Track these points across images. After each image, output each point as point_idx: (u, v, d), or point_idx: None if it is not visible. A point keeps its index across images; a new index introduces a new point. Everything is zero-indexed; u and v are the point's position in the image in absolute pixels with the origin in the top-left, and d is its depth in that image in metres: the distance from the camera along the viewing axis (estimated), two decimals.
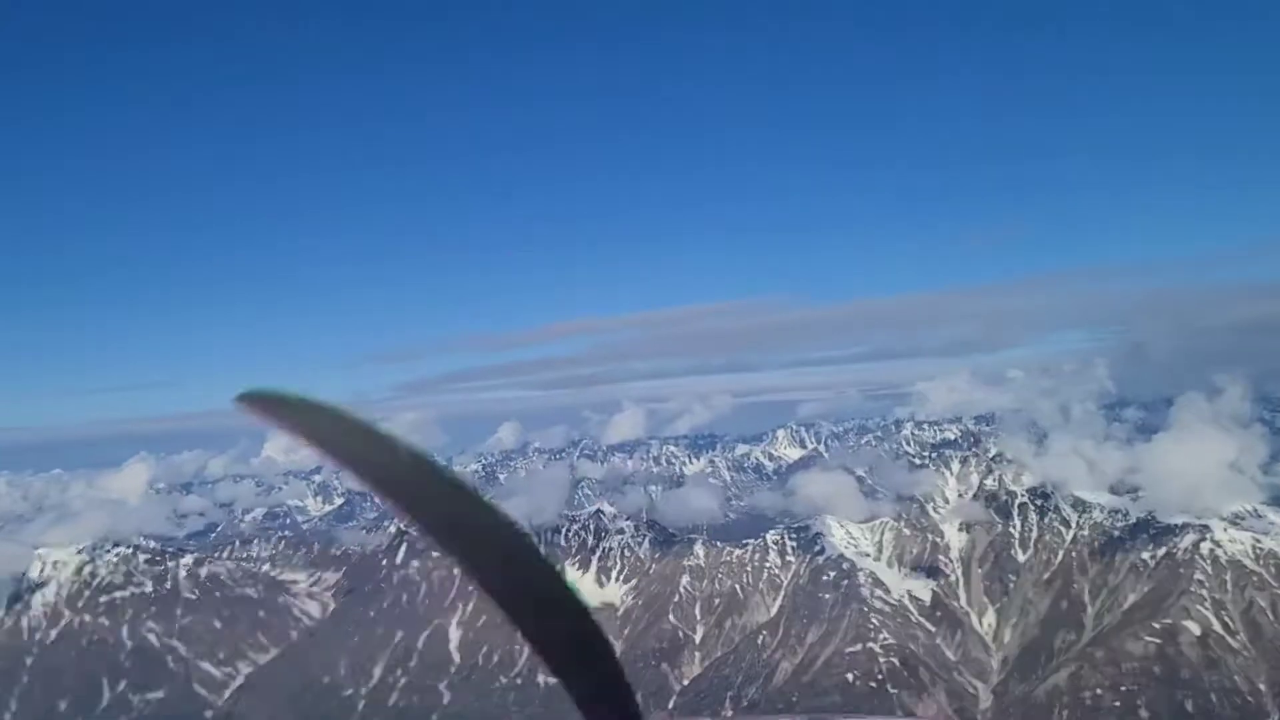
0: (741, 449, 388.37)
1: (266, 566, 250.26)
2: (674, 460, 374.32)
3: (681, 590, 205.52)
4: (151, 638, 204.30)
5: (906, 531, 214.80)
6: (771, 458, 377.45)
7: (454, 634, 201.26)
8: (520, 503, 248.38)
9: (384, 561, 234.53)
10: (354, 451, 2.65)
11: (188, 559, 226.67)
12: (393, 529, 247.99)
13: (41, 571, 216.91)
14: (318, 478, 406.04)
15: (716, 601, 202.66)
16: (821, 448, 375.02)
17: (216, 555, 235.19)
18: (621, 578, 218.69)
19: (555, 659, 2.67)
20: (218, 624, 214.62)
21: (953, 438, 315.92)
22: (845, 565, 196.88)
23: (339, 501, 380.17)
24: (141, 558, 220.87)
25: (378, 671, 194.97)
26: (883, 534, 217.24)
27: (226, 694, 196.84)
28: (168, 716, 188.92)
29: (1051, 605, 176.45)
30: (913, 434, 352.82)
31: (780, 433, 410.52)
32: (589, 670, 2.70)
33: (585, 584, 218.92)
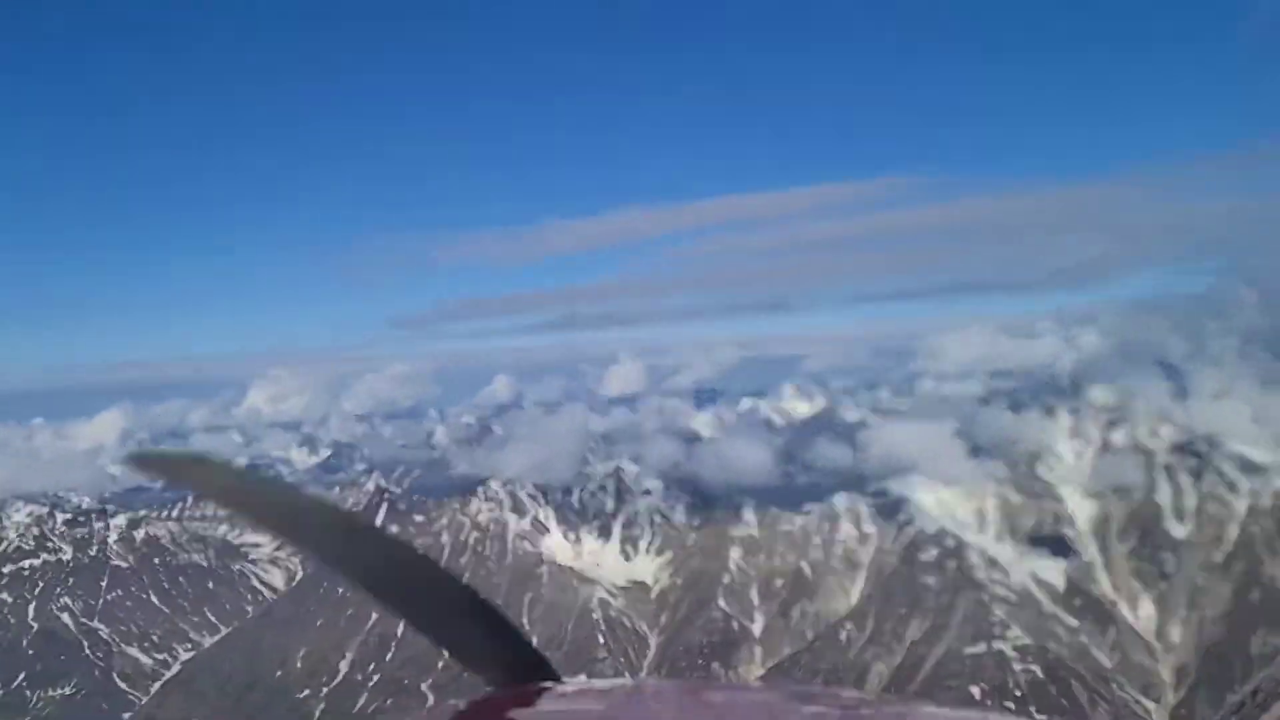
0: (746, 404, 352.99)
1: (224, 528, 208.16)
2: (678, 414, 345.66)
3: (732, 568, 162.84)
4: (65, 618, 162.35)
5: (1015, 497, 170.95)
6: (780, 412, 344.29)
7: None
8: (523, 459, 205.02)
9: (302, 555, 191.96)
10: (244, 499, 2.75)
11: (120, 519, 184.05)
12: (371, 485, 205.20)
13: None
14: (305, 429, 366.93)
15: (778, 583, 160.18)
16: (829, 403, 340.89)
17: (161, 515, 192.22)
18: (653, 549, 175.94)
19: (445, 635, 2.65)
20: (154, 599, 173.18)
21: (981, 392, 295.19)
22: (949, 540, 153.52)
23: (325, 454, 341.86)
24: (60, 518, 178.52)
25: (344, 666, 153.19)
26: (984, 499, 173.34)
27: (154, 688, 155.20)
28: (75, 717, 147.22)
29: (1235, 594, 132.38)
30: (931, 389, 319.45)
31: (787, 387, 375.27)
32: (482, 634, 2.66)
33: (607, 557, 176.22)
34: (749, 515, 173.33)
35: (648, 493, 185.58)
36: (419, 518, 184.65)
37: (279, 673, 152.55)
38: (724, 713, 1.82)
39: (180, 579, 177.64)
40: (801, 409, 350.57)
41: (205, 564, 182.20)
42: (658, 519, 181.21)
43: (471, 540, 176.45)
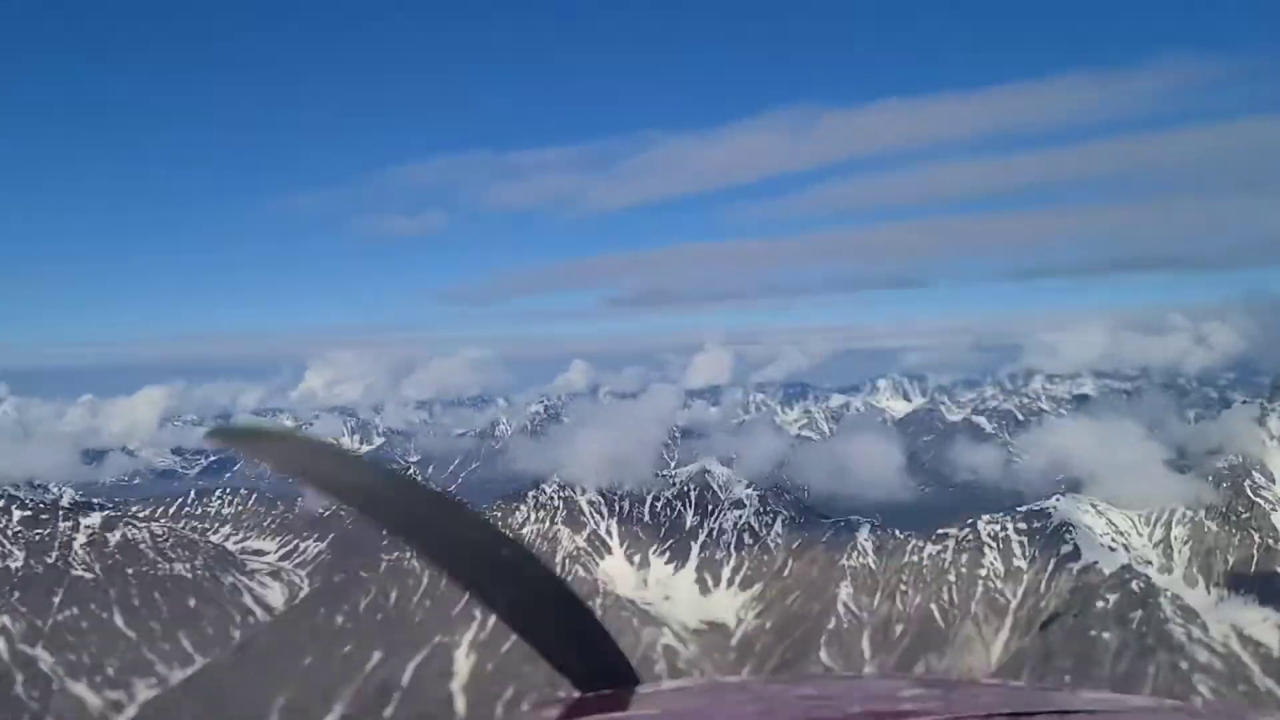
0: (838, 399, 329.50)
1: (226, 530, 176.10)
2: (764, 409, 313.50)
3: (840, 609, 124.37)
4: None
5: (1211, 525, 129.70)
6: (873, 409, 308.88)
7: (462, 661, 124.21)
8: (592, 456, 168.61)
9: (383, 534, 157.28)
10: (327, 474, 2.76)
11: (94, 518, 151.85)
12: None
13: None
14: (360, 414, 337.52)
15: (899, 629, 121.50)
16: (929, 401, 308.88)
17: (147, 514, 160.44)
18: (739, 580, 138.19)
19: (536, 634, 2.57)
20: (118, 619, 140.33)
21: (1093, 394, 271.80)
22: (1131, 581, 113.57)
23: (378, 442, 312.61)
24: (16, 514, 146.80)
25: (336, 713, 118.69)
26: (1170, 528, 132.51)
27: None
28: None
29: None
30: (1043, 389, 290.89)
31: (882, 383, 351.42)
32: (569, 634, 2.58)
33: (680, 587, 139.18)
34: (864, 539, 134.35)
35: (739, 504, 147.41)
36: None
37: None
38: (808, 706, 1.74)
39: (155, 594, 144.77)
40: (898, 406, 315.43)
41: (189, 575, 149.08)
42: (747, 539, 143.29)
43: None
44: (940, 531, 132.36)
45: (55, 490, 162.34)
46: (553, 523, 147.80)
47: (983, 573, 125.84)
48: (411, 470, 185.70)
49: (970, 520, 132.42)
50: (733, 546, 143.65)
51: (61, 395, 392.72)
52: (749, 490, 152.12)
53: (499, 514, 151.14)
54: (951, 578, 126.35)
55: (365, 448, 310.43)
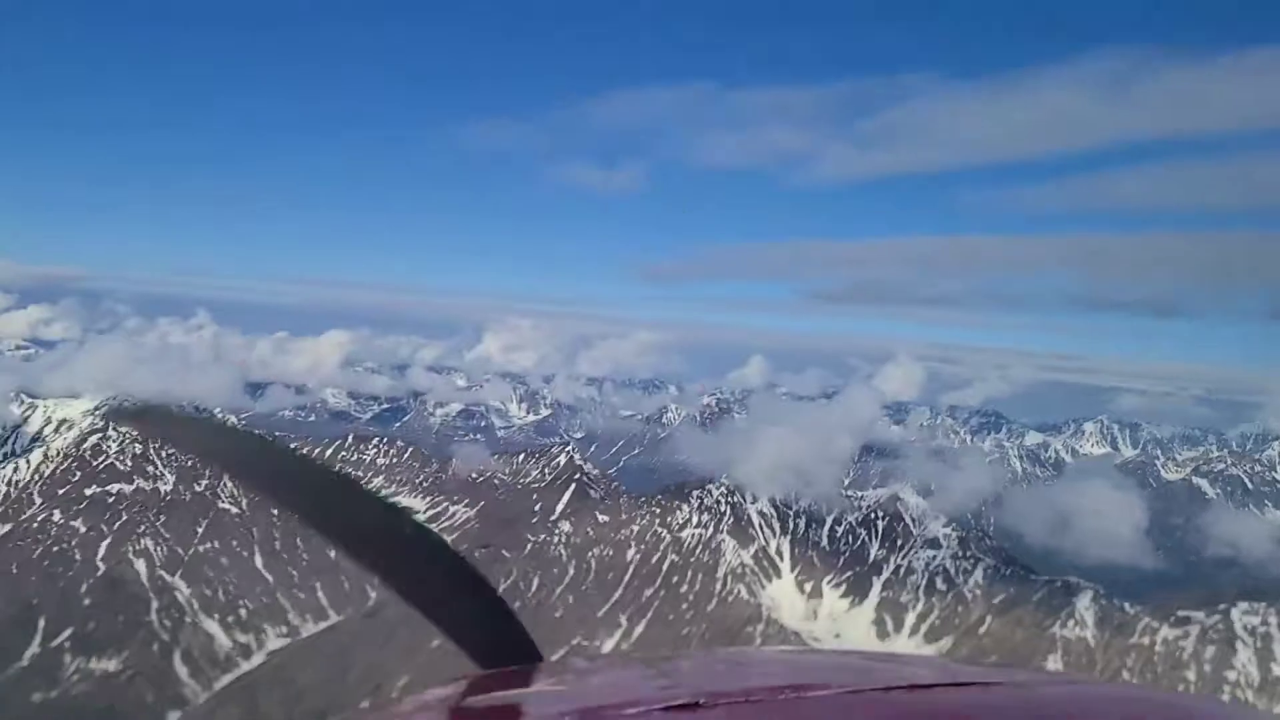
0: (1035, 437, 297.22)
1: (378, 481, 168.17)
2: (951, 436, 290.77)
3: None
4: (139, 565, 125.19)
5: None
6: (1075, 454, 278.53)
7: None
8: (764, 461, 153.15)
9: (535, 505, 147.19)
10: (224, 454, 2.71)
11: None
12: (562, 459, 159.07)
13: (42, 428, 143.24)
14: (530, 383, 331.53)
15: None
16: (1141, 453, 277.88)
17: (305, 451, 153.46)
18: (924, 629, 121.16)
19: (436, 610, 2.51)
20: (257, 560, 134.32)
21: None
22: None
23: (544, 414, 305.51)
24: None
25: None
26: None
27: (220, 684, 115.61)
28: (113, 701, 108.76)
29: None
30: None
31: (1089, 426, 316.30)
32: (469, 611, 2.54)
33: (856, 625, 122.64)
34: (1083, 607, 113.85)
35: (934, 543, 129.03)
36: (603, 517, 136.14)
37: (367, 697, 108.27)
38: (713, 678, 1.74)
39: (297, 540, 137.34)
40: (1102, 455, 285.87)
41: None
42: (939, 584, 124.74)
43: (667, 565, 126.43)
44: (1182, 614, 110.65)
45: (219, 417, 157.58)
46: (717, 530, 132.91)
47: (1233, 675, 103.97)
48: (571, 447, 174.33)
49: (1223, 606, 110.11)
50: (922, 590, 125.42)
51: (259, 329, 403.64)
52: (947, 529, 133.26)
53: (658, 509, 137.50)
54: (1190, 674, 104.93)
55: (531, 418, 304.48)
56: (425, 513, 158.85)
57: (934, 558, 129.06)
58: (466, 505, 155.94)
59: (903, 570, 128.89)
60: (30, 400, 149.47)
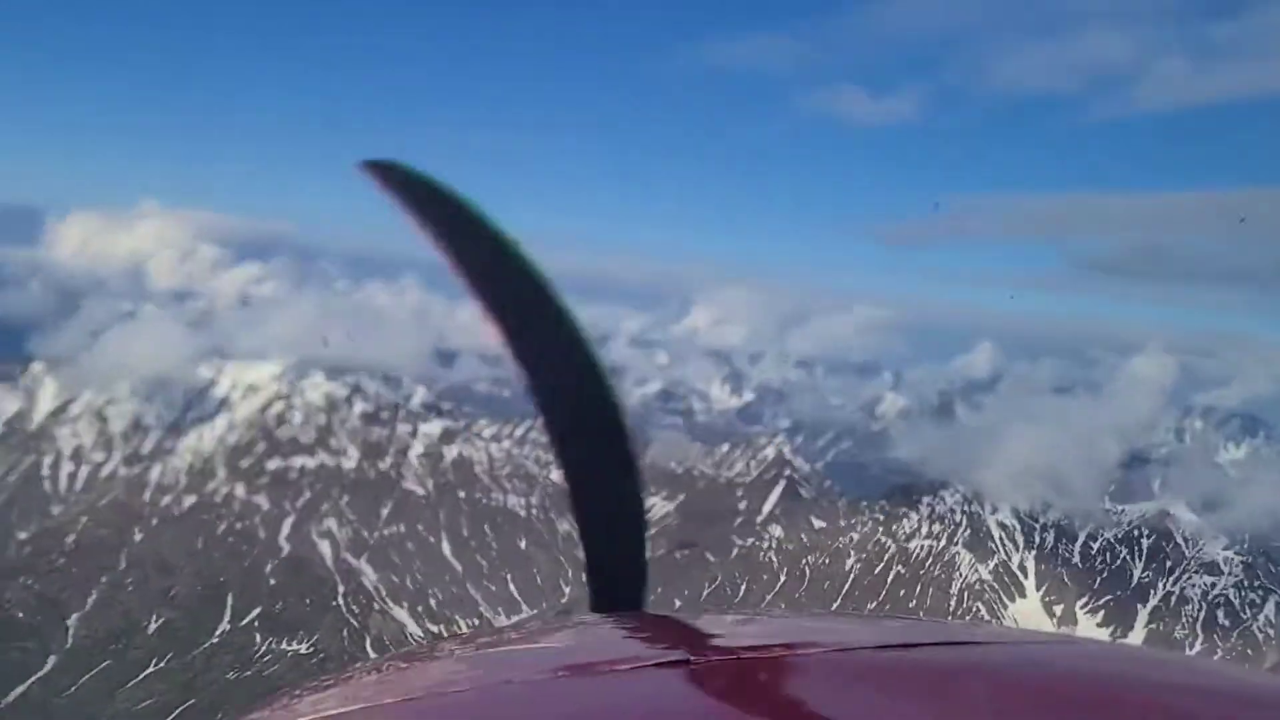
0: None
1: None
2: (1199, 440, 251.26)
3: None
4: (324, 547, 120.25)
5: None
6: None
7: None
8: (999, 465, 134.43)
9: (740, 503, 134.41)
10: (461, 245, 2.57)
11: (433, 426, 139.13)
12: (771, 451, 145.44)
13: (229, 393, 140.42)
14: (736, 362, 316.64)
15: None
16: None
17: (487, 433, 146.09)
18: None
19: (591, 518, 2.44)
20: (445, 547, 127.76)
21: None
22: None
23: (748, 397, 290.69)
24: (358, 408, 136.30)
25: None
26: None
27: None
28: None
29: None
30: None
31: None
32: (613, 537, 2.45)
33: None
34: None
35: (1212, 569, 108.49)
36: (819, 522, 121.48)
37: None
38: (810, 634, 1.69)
39: (486, 527, 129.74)
40: None
41: (523, 512, 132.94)
42: (1222, 618, 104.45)
43: (892, 576, 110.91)
44: None
45: (407, 386, 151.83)
46: (951, 542, 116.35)
47: None
48: (780, 439, 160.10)
49: None
50: (1199, 623, 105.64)
51: (463, 294, 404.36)
52: (1229, 552, 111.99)
53: (881, 516, 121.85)
54: None
55: (734, 401, 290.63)
56: None
57: (1213, 585, 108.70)
58: (665, 498, 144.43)
59: (1174, 599, 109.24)
60: (219, 362, 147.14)
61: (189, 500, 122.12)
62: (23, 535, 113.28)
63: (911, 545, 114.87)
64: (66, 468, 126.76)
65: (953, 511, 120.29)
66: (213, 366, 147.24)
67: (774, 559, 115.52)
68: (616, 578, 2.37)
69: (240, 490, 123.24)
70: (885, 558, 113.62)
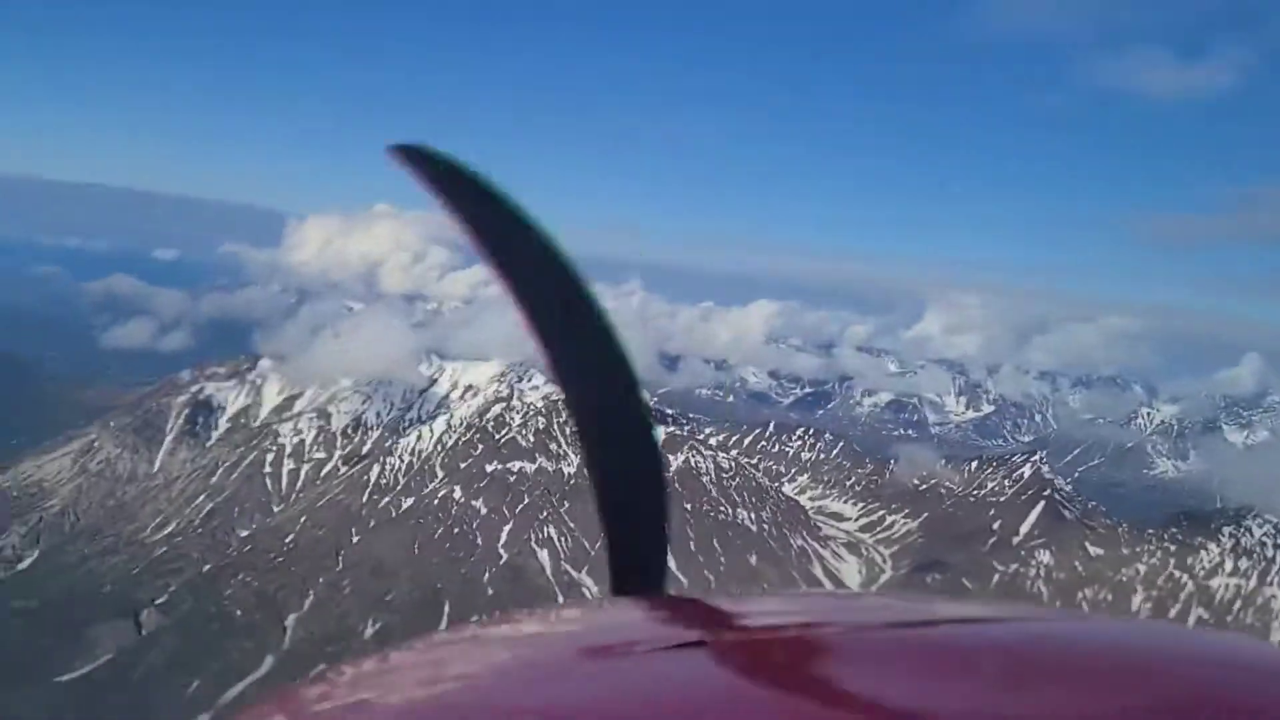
0: None
1: (803, 480, 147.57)
2: None
3: None
4: (543, 557, 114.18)
5: None
6: None
7: None
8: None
9: (993, 523, 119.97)
10: (486, 225, 2.50)
11: (658, 434, 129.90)
12: (1028, 470, 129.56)
13: (448, 393, 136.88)
14: (971, 373, 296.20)
15: None
16: None
17: (718, 440, 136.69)
18: None
19: (613, 502, 2.38)
20: (671, 560, 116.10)
21: None
22: None
23: (987, 409, 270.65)
24: None
25: None
26: None
27: None
28: None
29: None
30: None
31: None
32: (635, 520, 2.38)
33: None
34: None
35: None
36: (1095, 549, 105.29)
37: None
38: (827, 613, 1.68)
39: (714, 540, 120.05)
40: None
41: (754, 526, 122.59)
42: None
43: (1193, 620, 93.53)
44: None
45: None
46: (1264, 582, 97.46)
47: None
48: (1040, 457, 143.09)
49: None
50: None
51: (686, 297, 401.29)
52: None
53: (1171, 546, 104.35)
54: None
55: (970, 414, 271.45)
56: (857, 520, 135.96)
57: None
58: (907, 515, 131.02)
59: None
60: (439, 361, 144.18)
61: (407, 502, 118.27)
62: (243, 533, 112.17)
63: (1214, 584, 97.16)
64: (288, 465, 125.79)
65: (1263, 545, 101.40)
66: (434, 366, 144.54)
67: (1043, 588, 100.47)
68: (638, 561, 2.31)
69: (458, 493, 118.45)
70: (1181, 596, 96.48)
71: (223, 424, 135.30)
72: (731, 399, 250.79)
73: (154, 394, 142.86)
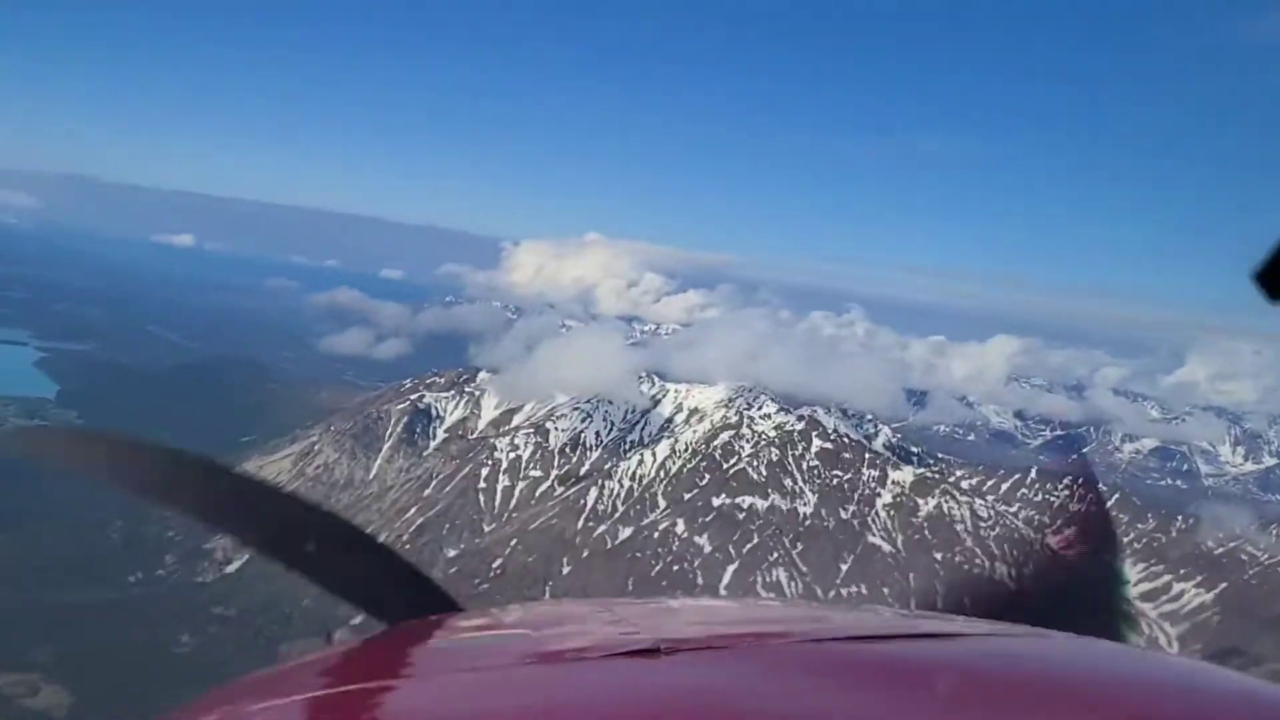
0: None
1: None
2: None
3: None
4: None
5: None
6: None
7: None
8: None
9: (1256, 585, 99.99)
10: (121, 471, 2.62)
11: (905, 474, 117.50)
12: None
13: (672, 416, 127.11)
14: (1248, 423, 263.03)
15: None
16: None
17: (972, 484, 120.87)
18: None
19: (335, 578, 2.52)
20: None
21: None
22: None
23: (1270, 462, 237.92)
24: (816, 444, 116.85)
25: None
26: None
27: None
28: None
29: None
30: None
31: None
32: (369, 571, 2.52)
33: None
34: None
35: None
36: None
37: None
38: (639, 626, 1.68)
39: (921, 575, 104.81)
40: None
41: (1013, 585, 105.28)
42: None
43: None
44: None
45: (870, 426, 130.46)
46: None
47: None
48: None
49: None
50: None
51: (913, 329, 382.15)
52: None
53: None
54: None
55: (1250, 466, 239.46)
56: (1136, 585, 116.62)
57: None
58: (1199, 585, 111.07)
59: None
60: (661, 383, 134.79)
61: (624, 532, 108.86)
62: (451, 552, 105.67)
63: None
64: (503, 481, 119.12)
65: None
66: (656, 386, 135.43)
67: None
68: (393, 589, 2.40)
69: (680, 527, 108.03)
70: None
71: (440, 434, 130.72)
72: (972, 437, 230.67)
73: (377, 399, 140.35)
